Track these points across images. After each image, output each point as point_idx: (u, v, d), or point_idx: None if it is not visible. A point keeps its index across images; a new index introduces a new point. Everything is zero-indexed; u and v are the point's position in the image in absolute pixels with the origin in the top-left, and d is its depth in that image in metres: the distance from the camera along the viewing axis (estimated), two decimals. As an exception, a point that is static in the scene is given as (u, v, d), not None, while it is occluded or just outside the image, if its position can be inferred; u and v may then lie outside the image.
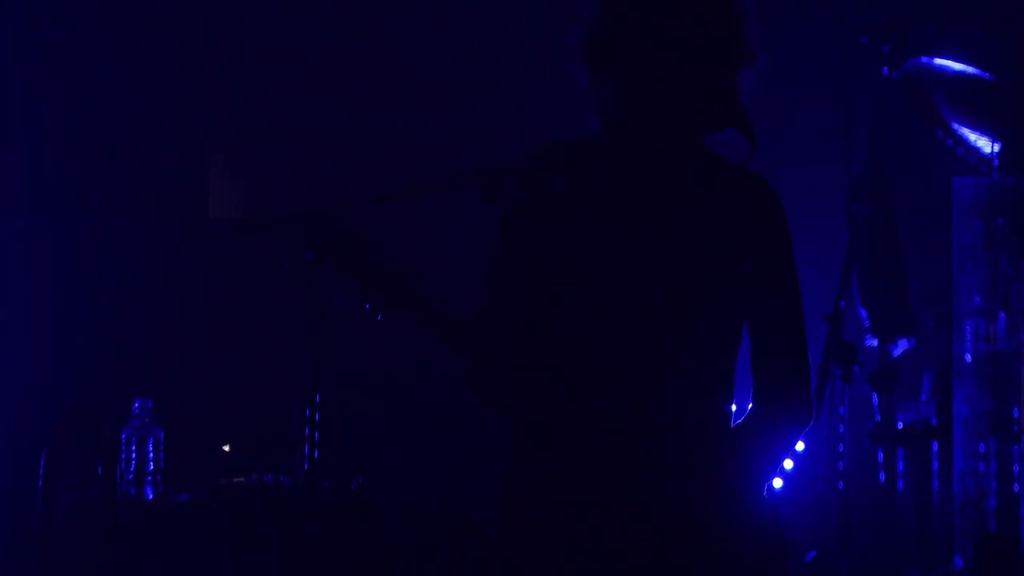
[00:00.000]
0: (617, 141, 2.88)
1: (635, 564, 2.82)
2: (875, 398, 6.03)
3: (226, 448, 4.73)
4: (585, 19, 2.86)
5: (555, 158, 2.90)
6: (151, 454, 4.55)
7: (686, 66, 2.79)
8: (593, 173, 2.89)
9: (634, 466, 2.83)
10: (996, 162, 5.68)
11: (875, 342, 5.98)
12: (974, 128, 5.83)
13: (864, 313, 5.99)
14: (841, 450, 5.21)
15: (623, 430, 2.83)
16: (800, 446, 5.84)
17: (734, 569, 2.86)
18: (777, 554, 2.91)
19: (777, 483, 5.77)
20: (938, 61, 5.80)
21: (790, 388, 2.94)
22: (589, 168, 2.89)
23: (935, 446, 5.96)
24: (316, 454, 3.19)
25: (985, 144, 5.77)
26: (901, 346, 5.98)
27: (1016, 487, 5.56)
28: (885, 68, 5.51)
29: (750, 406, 2.97)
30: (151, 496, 4.54)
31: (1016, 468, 5.58)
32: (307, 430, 3.18)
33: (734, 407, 2.97)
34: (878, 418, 6.03)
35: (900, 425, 6.04)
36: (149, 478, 4.54)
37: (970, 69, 5.79)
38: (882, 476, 6.03)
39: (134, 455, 4.53)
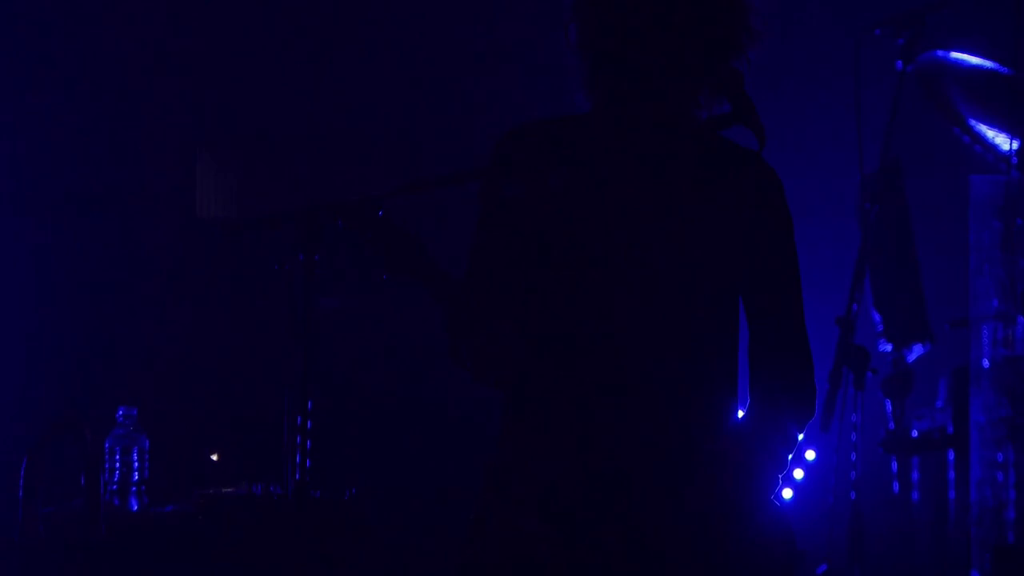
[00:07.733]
0: (608, 118, 2.86)
1: (631, 568, 2.75)
2: (889, 405, 6.02)
3: (214, 457, 4.77)
4: None
5: (540, 136, 2.87)
6: (136, 463, 4.54)
7: (677, 42, 2.78)
8: (582, 151, 2.85)
9: (627, 462, 2.76)
10: (1015, 160, 5.66)
11: (889, 347, 6.02)
12: (992, 124, 5.86)
13: (877, 316, 5.99)
14: (853, 459, 5.17)
15: (614, 424, 2.77)
16: (811, 455, 5.86)
17: None
18: (785, 565, 2.83)
19: (787, 493, 5.75)
20: (954, 55, 5.82)
21: (790, 380, 2.88)
22: (578, 146, 2.86)
23: (951, 454, 5.92)
24: (308, 463, 3.14)
25: (1003, 141, 5.77)
26: (916, 351, 5.99)
27: (1035, 497, 5.51)
28: (899, 62, 5.48)
29: (748, 402, 2.91)
30: (136, 507, 4.52)
31: (1035, 477, 5.52)
32: (298, 438, 3.14)
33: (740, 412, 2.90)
34: (892, 425, 6.02)
35: (915, 433, 6.03)
36: (134, 488, 4.52)
37: (988, 63, 5.81)
38: (896, 486, 6.03)
39: (118, 464, 4.52)
